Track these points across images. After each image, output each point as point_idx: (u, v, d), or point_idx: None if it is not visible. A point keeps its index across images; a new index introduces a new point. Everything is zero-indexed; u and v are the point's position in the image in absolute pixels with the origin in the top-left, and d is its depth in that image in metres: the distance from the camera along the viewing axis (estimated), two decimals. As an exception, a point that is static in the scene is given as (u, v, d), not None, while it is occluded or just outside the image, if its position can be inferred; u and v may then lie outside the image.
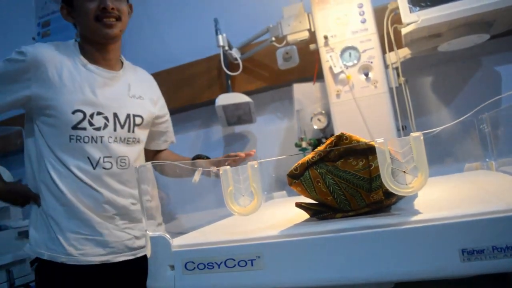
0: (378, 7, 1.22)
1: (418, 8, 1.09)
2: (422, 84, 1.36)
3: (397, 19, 1.18)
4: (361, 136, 1.18)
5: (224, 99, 1.36)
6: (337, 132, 1.20)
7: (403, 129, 1.24)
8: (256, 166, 0.59)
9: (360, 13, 1.20)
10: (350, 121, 1.19)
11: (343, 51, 1.20)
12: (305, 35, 1.27)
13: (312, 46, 1.26)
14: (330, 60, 1.20)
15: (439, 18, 1.05)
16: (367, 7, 1.19)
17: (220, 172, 0.60)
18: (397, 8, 1.13)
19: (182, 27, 1.70)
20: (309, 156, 0.62)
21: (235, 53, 1.43)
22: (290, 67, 1.38)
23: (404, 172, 0.52)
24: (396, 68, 1.21)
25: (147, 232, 0.66)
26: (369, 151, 0.59)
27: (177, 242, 0.65)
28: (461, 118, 0.62)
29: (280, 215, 0.79)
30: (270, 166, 1.50)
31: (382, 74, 1.17)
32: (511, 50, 1.28)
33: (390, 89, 1.19)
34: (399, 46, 1.22)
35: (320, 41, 1.22)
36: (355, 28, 1.20)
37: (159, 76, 1.65)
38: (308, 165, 0.62)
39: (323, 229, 0.55)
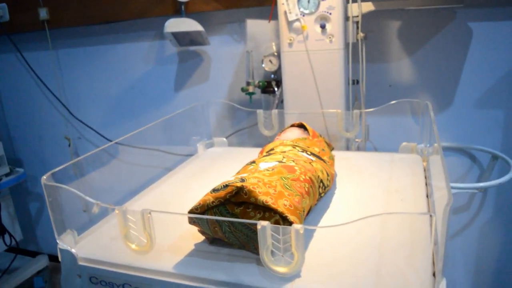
0: None
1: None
2: (386, 31, 1.25)
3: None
4: (309, 91, 1.13)
5: (173, 26, 1.24)
6: (285, 80, 1.15)
7: (354, 83, 1.19)
8: (149, 215, 0.59)
9: (327, -48, 1.03)
10: (299, 73, 1.13)
11: (302, -5, 1.07)
12: (264, -34, 1.10)
13: (270, -20, 1.11)
14: (286, 4, 1.07)
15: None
16: None
17: (116, 212, 0.61)
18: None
19: None
20: (210, 198, 0.62)
21: (189, -33, 1.25)
22: (249, -8, 1.24)
23: (282, 256, 0.54)
24: (357, 22, 1.10)
25: (58, 243, 0.70)
26: (267, 208, 0.59)
27: (83, 253, 0.69)
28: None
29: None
30: (216, 108, 1.46)
31: (340, 29, 1.07)
32: (489, 7, 1.16)
33: (347, 44, 1.11)
34: (365, -4, 1.08)
35: (278, -21, 1.07)
36: (318, -31, 1.04)
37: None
38: (207, 208, 0.62)
39: (208, 277, 0.59)
